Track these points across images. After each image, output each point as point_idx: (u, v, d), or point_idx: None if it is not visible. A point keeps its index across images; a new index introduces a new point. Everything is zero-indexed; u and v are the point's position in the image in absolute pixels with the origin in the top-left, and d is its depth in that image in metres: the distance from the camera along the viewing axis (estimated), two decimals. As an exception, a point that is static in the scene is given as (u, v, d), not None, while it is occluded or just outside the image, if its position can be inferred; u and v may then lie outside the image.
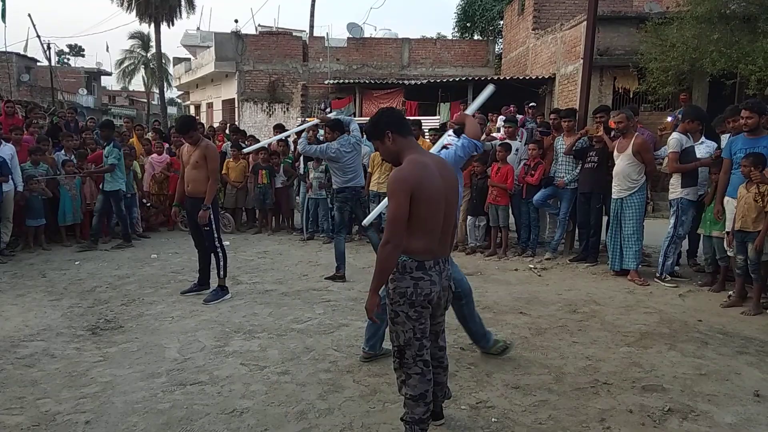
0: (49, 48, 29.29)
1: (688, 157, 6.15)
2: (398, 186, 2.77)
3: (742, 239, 5.31)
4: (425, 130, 9.99)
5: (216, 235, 5.76)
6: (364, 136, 6.44)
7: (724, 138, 6.18)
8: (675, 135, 6.27)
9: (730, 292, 5.61)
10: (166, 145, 10.04)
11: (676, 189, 6.22)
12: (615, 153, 6.50)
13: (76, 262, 7.34)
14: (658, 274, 6.33)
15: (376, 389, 3.68)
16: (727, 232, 5.58)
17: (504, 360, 4.13)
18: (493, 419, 3.29)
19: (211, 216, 5.67)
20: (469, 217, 7.99)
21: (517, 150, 7.85)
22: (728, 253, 5.74)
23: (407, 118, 9.63)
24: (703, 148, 6.25)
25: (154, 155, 9.57)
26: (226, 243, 6.23)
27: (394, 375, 3.03)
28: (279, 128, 10.09)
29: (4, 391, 3.72)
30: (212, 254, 5.83)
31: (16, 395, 3.65)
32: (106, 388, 3.75)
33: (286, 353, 4.32)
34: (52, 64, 31.26)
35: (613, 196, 6.50)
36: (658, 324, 4.93)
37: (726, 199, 5.62)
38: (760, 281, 5.24)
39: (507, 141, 7.86)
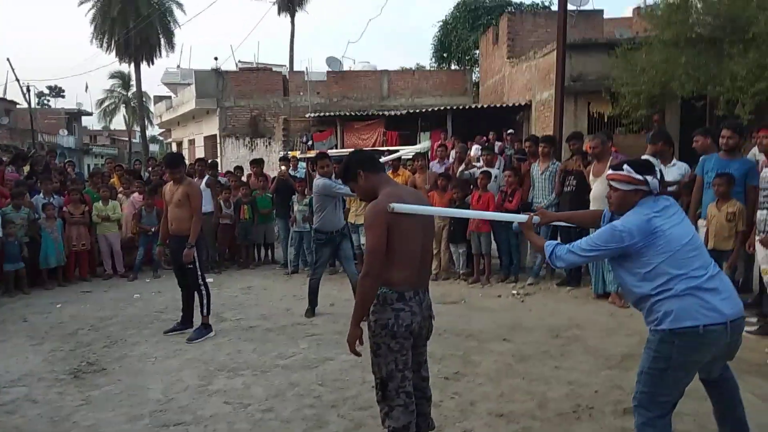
0: (28, 90, 29.39)
1: (659, 179, 6.28)
2: (375, 219, 2.84)
3: (716, 258, 5.40)
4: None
5: (199, 273, 5.77)
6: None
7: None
8: (646, 158, 6.40)
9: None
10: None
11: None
12: (591, 177, 6.62)
13: (58, 305, 7.26)
14: (637, 296, 6.40)
15: (360, 423, 3.68)
16: None
17: (488, 388, 4.16)
18: (477, 448, 3.31)
19: (195, 254, 5.69)
20: (451, 245, 8.06)
21: (495, 177, 7.98)
22: None
23: (388, 148, 9.67)
24: (675, 170, 6.39)
25: (135, 194, 9.56)
26: (209, 280, 6.23)
27: (378, 408, 3.05)
28: (258, 163, 10.21)
29: (-16, 440, 3.68)
30: (195, 292, 5.83)
31: (-3, 444, 3.62)
32: (89, 433, 3.72)
33: (270, 390, 4.31)
34: (32, 106, 31.27)
35: (592, 219, 6.59)
36: (638, 345, 4.95)
37: (699, 221, 5.74)
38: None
39: (487, 169, 7.99)
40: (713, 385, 3.10)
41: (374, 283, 2.85)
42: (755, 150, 6.43)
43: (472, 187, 7.96)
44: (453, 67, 26.50)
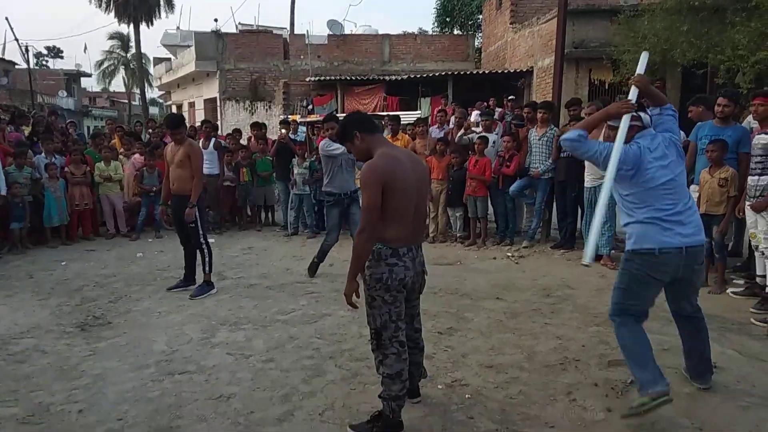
0: (27, 50, 29.14)
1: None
2: (370, 178, 2.96)
3: (707, 222, 5.53)
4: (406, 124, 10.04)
5: (201, 232, 5.90)
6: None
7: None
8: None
9: None
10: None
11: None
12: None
13: (63, 263, 7.42)
14: (628, 259, 6.56)
15: (357, 372, 3.86)
16: None
17: (479, 342, 4.33)
18: (466, 395, 3.49)
19: (197, 213, 5.81)
20: (448, 209, 8.18)
21: (494, 143, 8.06)
22: None
23: (387, 113, 9.72)
24: (670, 137, 6.47)
25: (136, 155, 9.65)
26: (211, 240, 6.37)
27: (373, 357, 3.21)
28: (259, 127, 10.25)
29: (-3, 385, 3.85)
30: (198, 251, 5.98)
31: (10, 389, 3.79)
32: (97, 380, 3.89)
33: (270, 342, 4.48)
34: (31, 66, 31.04)
35: (587, 184, 6.72)
36: (627, 305, 5.15)
37: (692, 186, 5.85)
38: (723, 261, 5.50)
39: (484, 134, 8.06)
40: (684, 322, 3.47)
41: (369, 239, 2.99)
42: (750, 118, 6.50)
43: (470, 152, 8.05)
44: (456, 32, 26.26)
